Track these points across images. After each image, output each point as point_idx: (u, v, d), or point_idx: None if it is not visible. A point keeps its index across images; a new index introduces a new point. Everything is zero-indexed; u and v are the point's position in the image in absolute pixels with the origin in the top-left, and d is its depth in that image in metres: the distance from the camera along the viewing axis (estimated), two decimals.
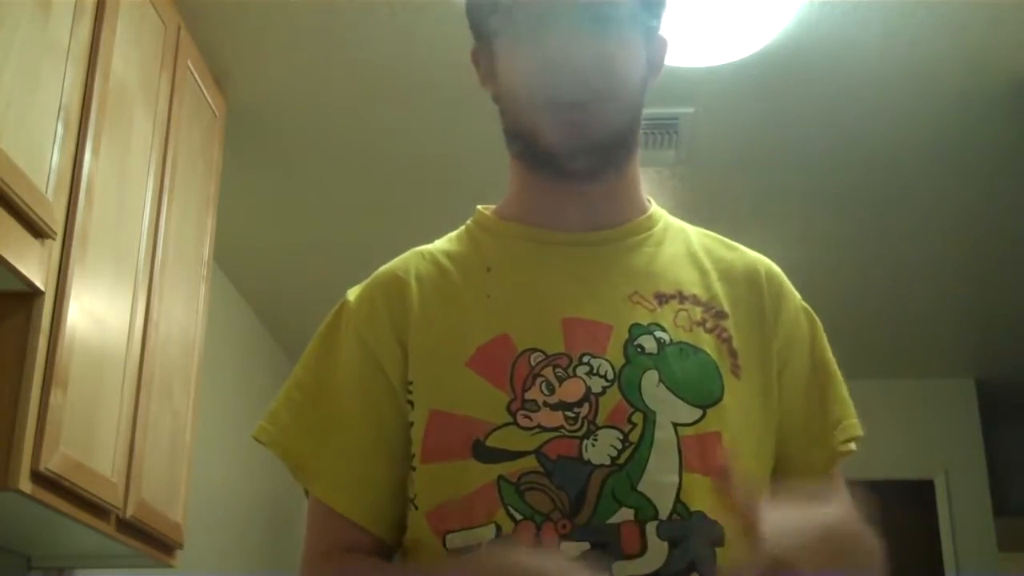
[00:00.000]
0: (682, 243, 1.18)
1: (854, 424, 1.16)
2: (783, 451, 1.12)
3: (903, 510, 4.78)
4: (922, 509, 4.92)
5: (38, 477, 1.83)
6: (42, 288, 1.85)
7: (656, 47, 1.16)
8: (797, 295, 1.19)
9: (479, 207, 1.22)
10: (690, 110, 3.04)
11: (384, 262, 1.20)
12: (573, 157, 1.09)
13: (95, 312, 2.05)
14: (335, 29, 2.73)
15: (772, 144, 3.25)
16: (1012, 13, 2.65)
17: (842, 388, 1.18)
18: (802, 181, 3.44)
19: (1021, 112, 3.01)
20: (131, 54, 2.24)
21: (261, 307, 4.31)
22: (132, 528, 2.25)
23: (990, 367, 4.97)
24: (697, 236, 1.20)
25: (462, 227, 1.21)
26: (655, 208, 1.20)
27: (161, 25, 2.44)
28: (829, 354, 1.18)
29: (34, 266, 1.83)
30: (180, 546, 2.53)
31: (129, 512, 2.19)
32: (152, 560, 2.44)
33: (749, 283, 1.15)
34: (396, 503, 1.09)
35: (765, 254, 1.21)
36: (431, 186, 3.44)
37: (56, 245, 1.91)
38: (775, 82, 2.93)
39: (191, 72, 2.63)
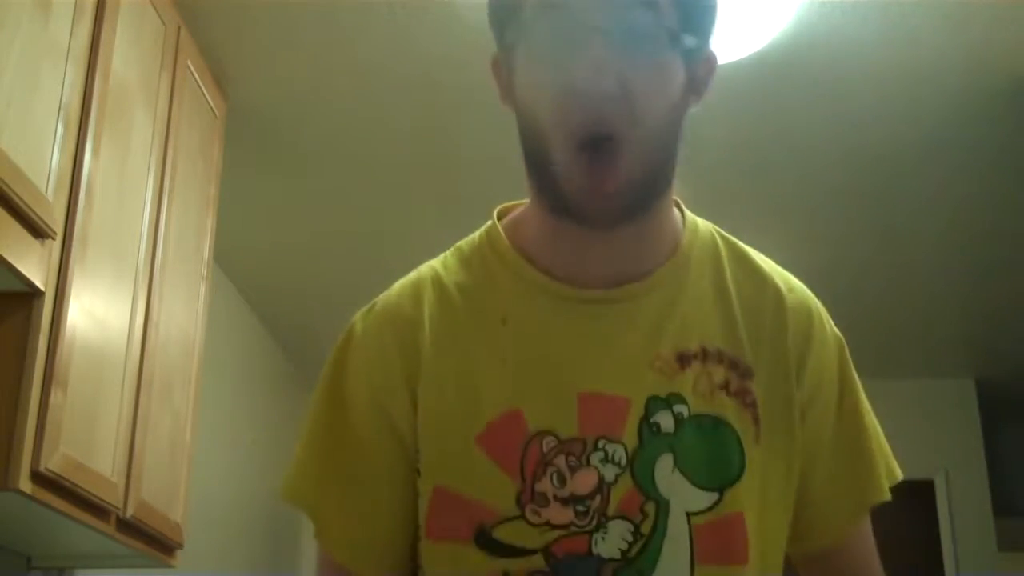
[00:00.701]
0: (711, 276, 1.08)
1: (882, 484, 1.12)
2: (806, 498, 1.07)
3: (903, 510, 4.76)
4: (922, 509, 4.92)
5: (38, 477, 1.83)
6: (42, 288, 1.85)
7: (701, 67, 1.05)
8: (828, 325, 1.11)
9: (496, 215, 1.13)
10: (690, 110, 3.03)
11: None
12: (591, 207, 0.98)
13: (95, 312, 2.05)
14: (335, 29, 2.73)
15: (771, 144, 3.25)
16: (1011, 12, 2.65)
17: (875, 432, 1.13)
18: (801, 181, 3.44)
19: (1020, 110, 3.01)
20: (131, 54, 2.24)
21: (261, 307, 4.31)
22: (132, 528, 2.25)
23: (990, 367, 4.96)
24: (728, 260, 1.10)
25: (475, 242, 1.11)
26: (688, 234, 1.10)
27: (161, 25, 2.44)
28: (860, 393, 1.12)
29: (34, 266, 1.83)
30: (180, 546, 2.53)
31: (129, 512, 2.19)
32: (152, 560, 2.44)
33: (775, 326, 1.07)
34: (408, 561, 1.06)
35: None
36: (431, 185, 3.43)
37: (56, 245, 1.91)
38: (775, 82, 2.93)
39: (191, 72, 2.63)
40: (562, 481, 0.98)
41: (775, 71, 2.88)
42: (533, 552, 0.97)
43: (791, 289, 1.10)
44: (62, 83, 1.92)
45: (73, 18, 1.97)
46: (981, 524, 4.89)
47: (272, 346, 4.53)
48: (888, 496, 1.12)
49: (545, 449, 0.99)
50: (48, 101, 1.87)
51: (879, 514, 1.14)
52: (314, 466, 1.09)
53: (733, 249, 1.12)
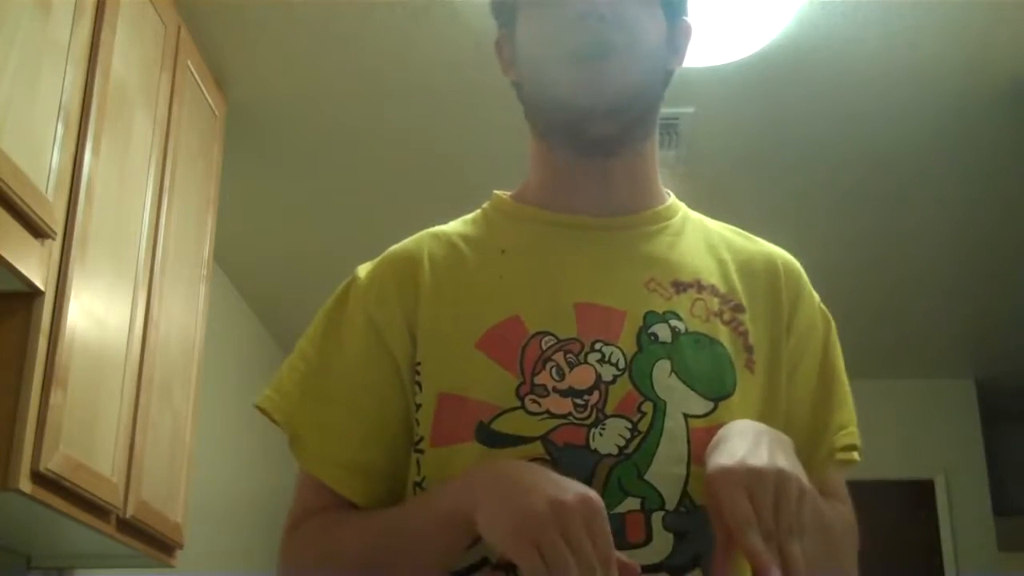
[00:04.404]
0: (701, 235, 1.17)
1: (854, 432, 1.14)
2: None
3: (903, 510, 4.78)
4: (922, 509, 4.92)
5: (38, 477, 1.82)
6: (42, 288, 1.85)
7: (679, 30, 1.16)
8: (816, 296, 1.17)
9: (496, 191, 1.21)
10: (690, 110, 3.04)
11: None
12: (591, 118, 1.07)
13: (95, 312, 2.05)
14: (335, 29, 2.73)
15: (772, 144, 3.25)
16: (1012, 13, 2.65)
17: (848, 396, 1.16)
18: (802, 181, 3.44)
19: (1021, 112, 3.01)
20: (131, 54, 2.24)
21: (261, 307, 4.31)
22: (132, 528, 2.25)
23: (990, 367, 4.96)
24: (717, 229, 1.19)
25: (478, 210, 1.20)
26: (674, 199, 1.19)
27: (161, 25, 2.44)
28: (840, 359, 1.17)
29: (34, 266, 1.83)
30: (180, 546, 2.53)
31: (129, 512, 2.19)
32: (152, 560, 2.44)
33: (768, 277, 1.14)
34: (390, 484, 1.08)
35: None
36: (431, 186, 3.44)
37: (56, 245, 1.91)
38: (775, 82, 2.93)
39: (191, 72, 2.63)
40: (561, 375, 1.02)
41: (775, 72, 2.88)
42: (532, 440, 1.00)
43: (782, 254, 1.18)
44: (62, 83, 1.92)
45: (73, 18, 1.97)
46: (981, 524, 4.89)
47: (272, 346, 4.53)
48: (858, 440, 1.14)
49: (544, 347, 1.03)
50: (48, 101, 1.87)
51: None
52: (295, 382, 1.11)
53: (722, 224, 1.21)
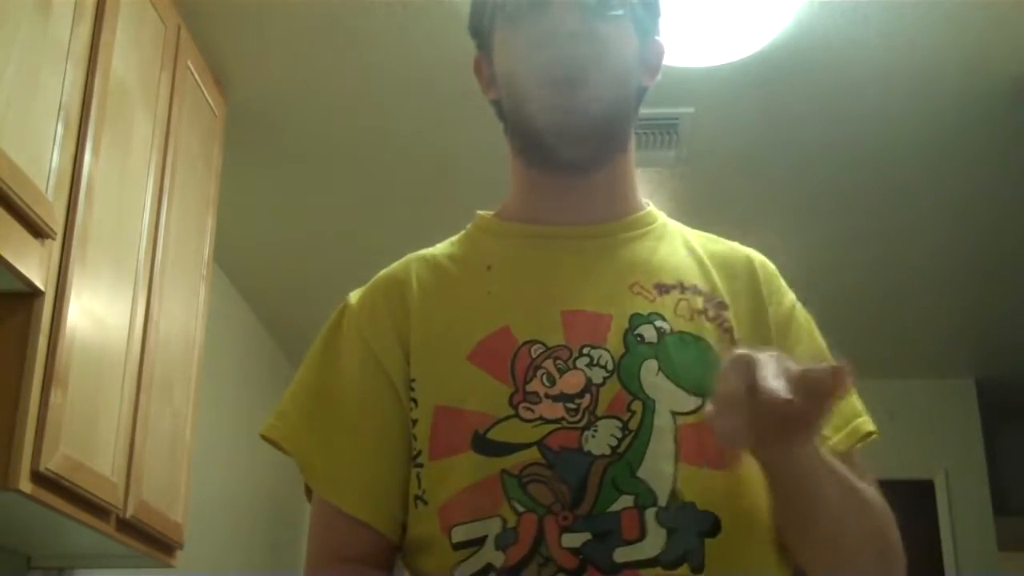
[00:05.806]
0: (680, 240, 1.19)
1: (861, 412, 1.14)
2: None
3: (903, 510, 4.76)
4: (922, 509, 4.92)
5: (38, 477, 1.83)
6: (42, 288, 1.85)
7: (651, 48, 1.18)
8: (791, 292, 1.20)
9: (479, 212, 1.23)
10: (690, 110, 3.04)
11: (384, 262, 1.21)
12: (564, 143, 1.10)
13: (95, 312, 2.05)
14: (335, 29, 2.73)
15: (772, 144, 3.25)
16: (1012, 13, 2.65)
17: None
18: (802, 181, 3.44)
19: (1021, 111, 3.01)
20: (131, 54, 2.24)
21: (261, 307, 4.31)
22: (132, 528, 2.25)
23: (990, 367, 4.96)
24: (693, 235, 1.22)
25: (463, 232, 1.23)
26: (653, 208, 1.22)
27: (161, 25, 2.44)
28: (827, 351, 1.18)
29: (34, 266, 1.83)
30: (180, 546, 2.53)
31: (129, 512, 2.19)
32: (152, 560, 2.44)
33: (746, 275, 1.16)
34: (401, 501, 1.09)
35: (766, 254, 1.22)
36: (431, 186, 3.44)
37: (56, 245, 1.91)
38: (775, 82, 2.93)
39: (191, 72, 2.63)
40: (551, 381, 1.04)
41: (775, 72, 2.88)
42: (528, 446, 1.02)
43: (757, 254, 1.21)
44: (62, 83, 1.92)
45: (73, 18, 1.97)
46: (981, 524, 4.89)
47: (272, 346, 4.53)
48: (867, 416, 1.14)
49: (534, 355, 1.06)
50: (48, 101, 1.87)
51: None
52: (299, 409, 1.14)
53: (696, 231, 1.24)
